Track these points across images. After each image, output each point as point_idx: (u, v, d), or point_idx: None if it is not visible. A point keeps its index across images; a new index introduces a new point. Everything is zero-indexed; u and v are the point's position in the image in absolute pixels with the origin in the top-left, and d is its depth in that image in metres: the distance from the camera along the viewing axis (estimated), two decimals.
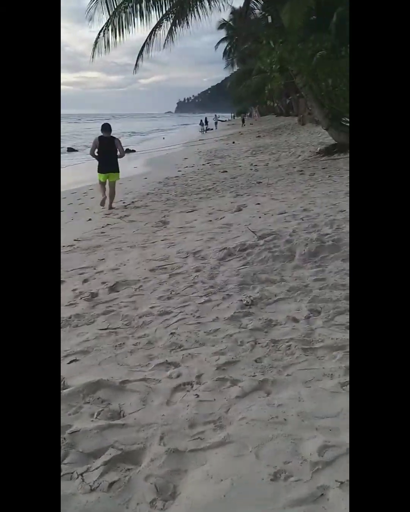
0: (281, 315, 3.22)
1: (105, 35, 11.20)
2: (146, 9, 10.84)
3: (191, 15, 12.50)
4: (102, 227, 7.05)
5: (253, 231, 5.29)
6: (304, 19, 12.36)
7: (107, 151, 8.41)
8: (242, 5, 43.88)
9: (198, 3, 12.51)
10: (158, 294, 3.94)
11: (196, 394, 2.39)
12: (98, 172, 8.56)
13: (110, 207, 8.60)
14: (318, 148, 13.66)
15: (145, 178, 13.35)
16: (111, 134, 8.57)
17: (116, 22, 10.88)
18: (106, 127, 8.45)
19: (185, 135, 43.68)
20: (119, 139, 8.94)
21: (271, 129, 33.15)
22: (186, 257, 4.89)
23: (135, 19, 10.95)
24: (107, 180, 8.51)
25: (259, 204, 7.23)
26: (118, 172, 8.65)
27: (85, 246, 5.92)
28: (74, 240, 6.28)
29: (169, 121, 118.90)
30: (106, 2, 10.94)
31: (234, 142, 26.23)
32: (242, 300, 3.51)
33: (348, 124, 12.42)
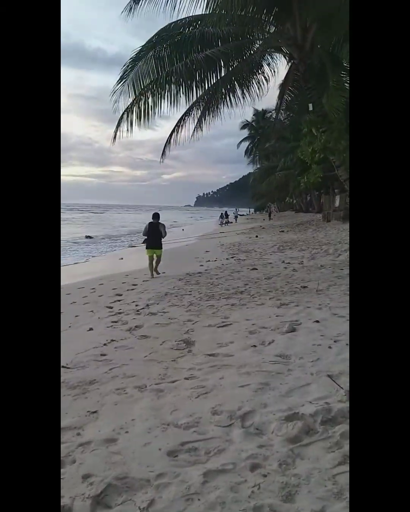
0: None
1: (129, 117, 10.28)
2: (176, 89, 10.00)
3: (222, 103, 11.69)
4: (104, 344, 5.17)
5: (335, 381, 3.36)
6: (343, 109, 11.45)
7: (154, 233, 10.91)
8: (263, 108, 46.46)
9: (229, 94, 11.85)
10: None
11: None
12: (146, 248, 11.08)
13: (157, 272, 11.07)
14: None
15: (163, 272, 11.69)
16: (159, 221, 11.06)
17: (142, 104, 9.99)
18: (155, 215, 11.09)
19: (205, 227, 43.28)
20: (164, 224, 11.25)
21: (294, 225, 32.31)
22: (230, 424, 2.93)
23: (162, 101, 10.06)
24: (153, 255, 10.98)
25: (318, 322, 5.34)
26: (161, 248, 11.11)
27: (74, 379, 4.02)
28: (62, 366, 4.40)
29: (189, 213, 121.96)
30: (133, 83, 10.16)
31: (256, 236, 25.09)
32: None
33: None
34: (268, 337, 4.89)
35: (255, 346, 4.62)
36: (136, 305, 7.48)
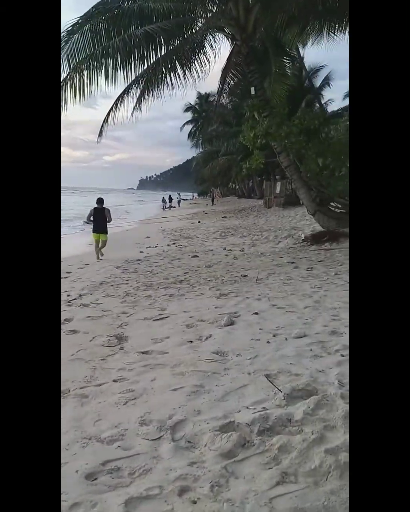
0: None
1: (64, 93, 9.58)
2: (113, 65, 9.40)
3: (163, 82, 11.21)
4: None
5: (272, 382, 3.14)
6: (285, 95, 11.40)
7: (99, 218, 11.12)
8: (206, 91, 45.93)
9: (170, 73, 11.35)
10: None
11: None
12: (93, 232, 11.34)
13: (98, 258, 11.19)
14: (302, 235, 12.07)
15: (100, 258, 11.22)
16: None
17: (77, 79, 9.32)
18: (100, 201, 11.18)
19: (147, 211, 42.50)
20: (109, 209, 11.42)
21: (236, 210, 32.36)
22: (158, 437, 2.63)
23: (99, 78, 9.43)
24: (99, 239, 11.21)
25: (257, 313, 5.15)
26: (107, 233, 11.35)
27: None
28: None
29: (131, 197, 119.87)
30: (67, 57, 9.46)
31: (199, 222, 24.89)
32: None
33: (338, 210, 10.97)
34: (206, 331, 4.64)
35: (191, 341, 4.35)
36: (68, 295, 7.00)
